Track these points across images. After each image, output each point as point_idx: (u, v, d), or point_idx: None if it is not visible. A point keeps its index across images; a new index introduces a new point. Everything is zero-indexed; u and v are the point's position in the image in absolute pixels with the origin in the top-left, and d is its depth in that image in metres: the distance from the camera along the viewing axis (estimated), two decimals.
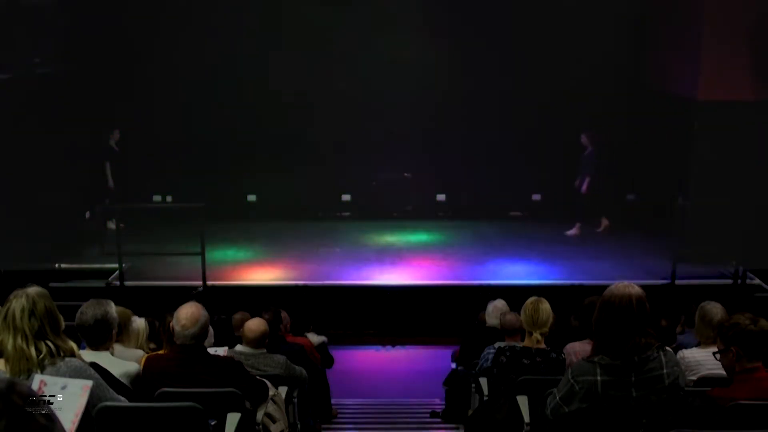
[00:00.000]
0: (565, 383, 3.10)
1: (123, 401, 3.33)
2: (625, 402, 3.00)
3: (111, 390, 3.26)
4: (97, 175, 10.98)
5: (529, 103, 11.28)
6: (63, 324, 3.14)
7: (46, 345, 3.01)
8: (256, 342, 4.99)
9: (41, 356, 2.99)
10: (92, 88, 10.83)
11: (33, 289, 3.08)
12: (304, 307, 8.43)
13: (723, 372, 3.57)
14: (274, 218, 11.61)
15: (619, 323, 2.99)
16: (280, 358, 5.04)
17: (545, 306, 4.69)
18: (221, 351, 4.56)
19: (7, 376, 2.96)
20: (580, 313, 4.79)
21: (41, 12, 10.06)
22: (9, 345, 2.99)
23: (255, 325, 5.05)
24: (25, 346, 2.98)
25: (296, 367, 5.16)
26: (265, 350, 5.05)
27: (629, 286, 3.05)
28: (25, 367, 2.98)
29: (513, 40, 11.21)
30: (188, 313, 3.76)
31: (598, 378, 3.00)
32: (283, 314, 6.38)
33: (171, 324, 3.83)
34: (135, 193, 11.31)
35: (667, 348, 3.10)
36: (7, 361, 3.01)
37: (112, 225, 10.66)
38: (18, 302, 3.02)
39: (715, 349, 3.50)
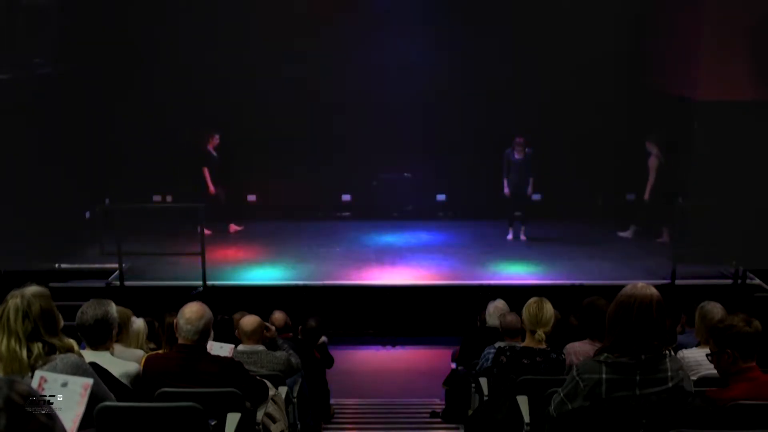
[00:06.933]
0: (570, 380, 3.13)
1: (112, 398, 3.31)
2: (627, 401, 3.01)
3: (103, 385, 3.25)
4: (96, 174, 10.98)
5: (529, 103, 11.28)
6: (62, 323, 3.12)
7: (39, 345, 2.99)
8: (254, 336, 5.02)
9: (32, 357, 2.97)
10: (92, 87, 10.83)
11: (30, 289, 3.06)
12: (304, 307, 8.43)
13: None
14: (274, 218, 11.60)
15: (638, 323, 3.00)
16: (282, 355, 5.06)
17: (548, 305, 4.70)
18: (227, 348, 4.56)
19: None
20: (580, 313, 4.79)
21: (41, 12, 10.06)
22: (3, 346, 2.98)
23: (248, 320, 5.11)
24: (17, 348, 2.96)
25: (293, 360, 5.18)
26: (264, 348, 5.06)
27: (649, 287, 3.06)
28: (17, 369, 2.96)
29: (513, 40, 11.22)
30: (194, 309, 3.80)
31: (603, 376, 3.02)
32: (281, 314, 6.37)
33: (175, 321, 3.83)
34: (135, 193, 11.30)
35: (674, 353, 3.12)
36: (0, 362, 3.01)
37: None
38: (13, 303, 3.00)
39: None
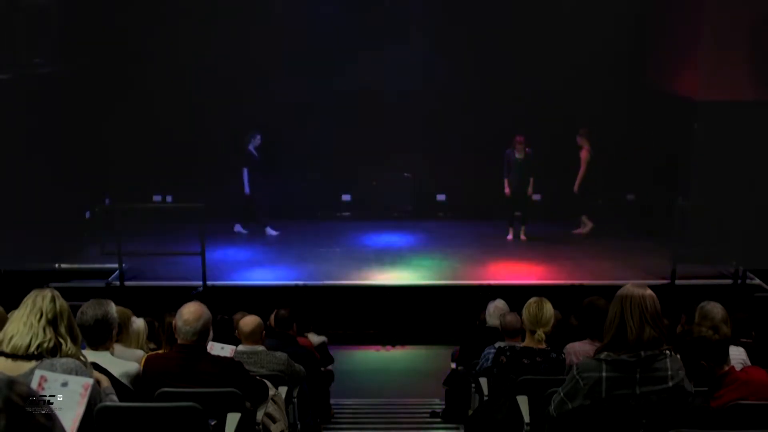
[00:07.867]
0: (570, 379, 3.15)
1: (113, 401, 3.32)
2: (627, 400, 3.01)
3: (99, 389, 3.25)
4: (96, 174, 10.97)
5: (530, 102, 11.27)
6: (79, 334, 3.20)
7: (52, 335, 3.05)
8: (253, 336, 5.01)
9: (46, 338, 3.02)
10: (92, 87, 10.82)
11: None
12: (304, 307, 8.42)
13: None
14: (274, 218, 11.61)
15: (632, 319, 3.04)
16: (282, 355, 5.05)
17: (548, 305, 4.71)
18: (228, 349, 4.56)
19: (9, 366, 2.98)
20: (580, 313, 4.79)
21: (41, 12, 10.06)
22: (22, 320, 3.05)
23: (248, 320, 5.11)
24: (36, 322, 3.04)
25: (296, 364, 5.18)
26: (264, 348, 5.06)
27: (644, 286, 3.15)
28: (25, 347, 3.00)
29: (513, 40, 11.20)
30: (191, 310, 3.78)
31: (603, 374, 3.04)
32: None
33: (174, 322, 3.83)
34: (135, 193, 11.29)
35: (674, 353, 3.13)
36: (12, 337, 3.04)
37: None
38: (42, 292, 3.13)
39: None
